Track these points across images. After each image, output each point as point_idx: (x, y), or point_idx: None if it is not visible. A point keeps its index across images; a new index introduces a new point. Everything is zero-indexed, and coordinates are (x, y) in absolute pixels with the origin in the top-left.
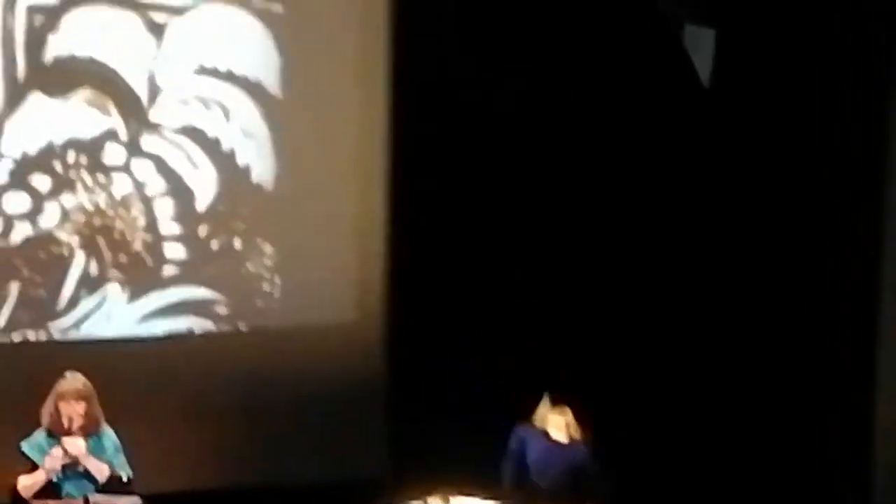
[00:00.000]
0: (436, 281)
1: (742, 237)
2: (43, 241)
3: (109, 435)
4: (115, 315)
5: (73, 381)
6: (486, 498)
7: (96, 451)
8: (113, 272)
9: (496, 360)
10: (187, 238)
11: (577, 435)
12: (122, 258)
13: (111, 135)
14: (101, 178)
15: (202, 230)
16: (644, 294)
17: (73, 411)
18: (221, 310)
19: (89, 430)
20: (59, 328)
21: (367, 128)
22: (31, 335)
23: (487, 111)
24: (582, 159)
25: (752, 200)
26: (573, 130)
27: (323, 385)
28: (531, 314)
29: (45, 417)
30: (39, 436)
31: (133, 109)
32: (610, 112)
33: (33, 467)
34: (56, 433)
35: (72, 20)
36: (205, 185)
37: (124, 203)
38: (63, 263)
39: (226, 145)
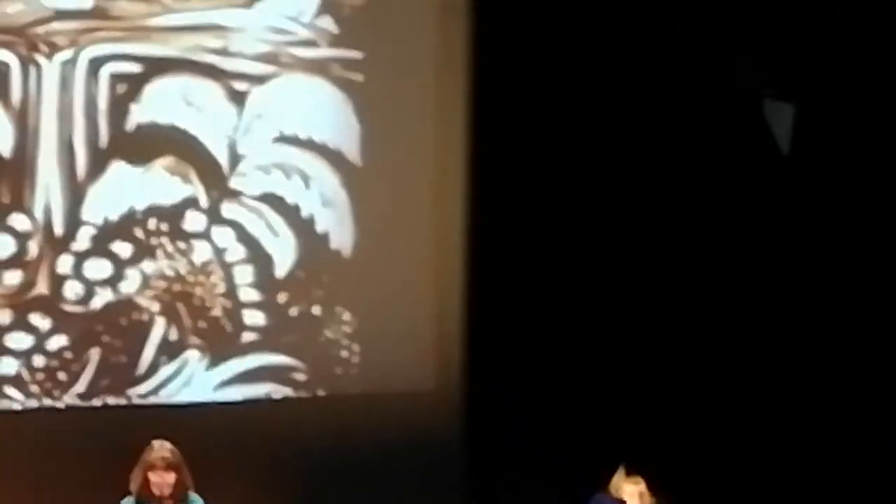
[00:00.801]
0: (514, 349)
1: (831, 311)
2: (123, 308)
3: (197, 501)
4: (194, 381)
5: (162, 450)
6: None
7: None
8: (192, 338)
9: (573, 429)
10: (266, 305)
11: None
12: (202, 324)
13: (192, 202)
14: (181, 244)
15: (281, 297)
16: (723, 369)
17: (163, 481)
18: (300, 376)
19: (178, 499)
20: (139, 394)
21: (444, 195)
22: (111, 400)
23: (567, 179)
24: (661, 234)
25: (833, 268)
26: (649, 202)
27: (400, 452)
28: (610, 384)
29: (134, 486)
30: None
31: (214, 177)
32: (691, 185)
33: None
34: (146, 501)
35: (154, 88)
36: (284, 252)
37: (204, 270)
38: (143, 329)
39: (305, 212)
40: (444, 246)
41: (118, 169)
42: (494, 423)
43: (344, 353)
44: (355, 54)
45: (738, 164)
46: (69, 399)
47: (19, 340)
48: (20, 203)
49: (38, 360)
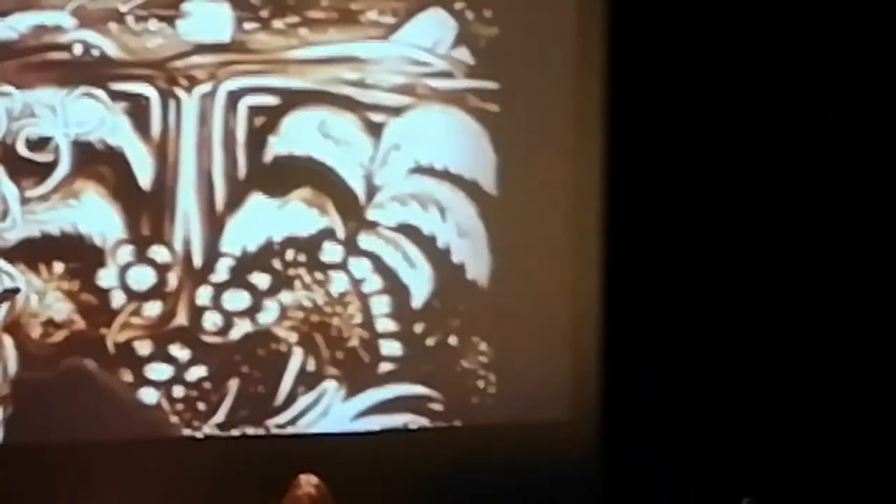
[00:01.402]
0: (651, 380)
1: None
2: (262, 338)
3: None
4: (331, 411)
5: (308, 485)
6: None
7: None
8: (330, 369)
9: (711, 461)
10: (403, 335)
11: None
12: (339, 355)
13: (329, 233)
14: (318, 275)
15: (418, 327)
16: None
17: None
18: (436, 406)
19: None
20: (277, 424)
21: (581, 225)
22: (250, 431)
23: (709, 209)
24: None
25: None
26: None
27: (537, 482)
28: (751, 416)
29: None
30: None
31: (350, 208)
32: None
33: None
34: None
35: (291, 120)
36: (420, 283)
37: (341, 300)
38: (281, 360)
39: (441, 243)
40: (580, 275)
41: (256, 201)
42: (631, 454)
43: (480, 384)
44: (491, 85)
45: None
46: (208, 429)
47: (160, 371)
48: (160, 235)
49: (178, 391)
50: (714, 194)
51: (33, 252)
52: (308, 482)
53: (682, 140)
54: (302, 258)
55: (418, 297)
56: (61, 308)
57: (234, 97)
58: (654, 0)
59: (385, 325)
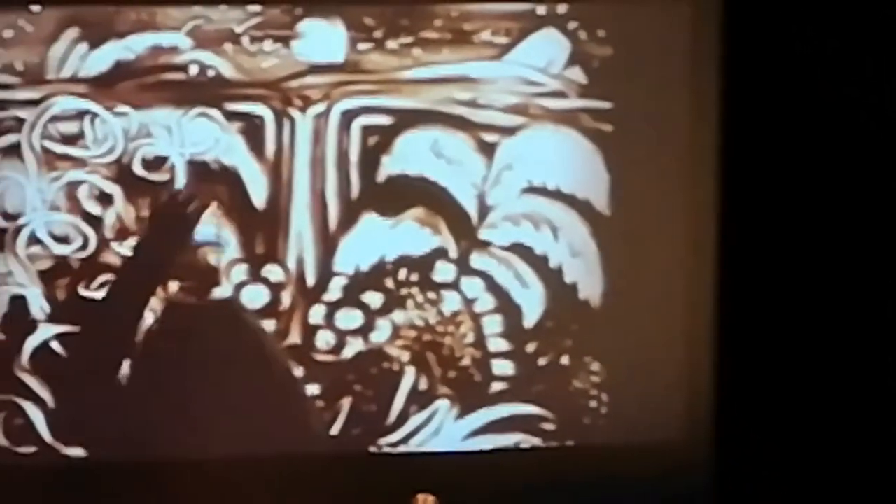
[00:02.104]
0: (766, 400)
1: None
2: (374, 357)
3: None
4: (443, 430)
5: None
6: None
7: None
8: (442, 388)
9: (827, 480)
10: (515, 355)
11: None
12: (451, 374)
13: (441, 253)
14: (431, 295)
15: (530, 347)
16: None
17: None
18: (548, 426)
19: None
20: (389, 442)
21: (695, 246)
22: (362, 449)
23: (828, 231)
24: None
25: None
26: None
27: (650, 502)
28: (867, 437)
29: None
30: None
31: (463, 228)
32: None
33: None
34: None
35: (405, 140)
36: (533, 303)
37: (454, 320)
38: (394, 379)
39: (554, 262)
40: (694, 295)
41: (369, 220)
42: (746, 474)
43: (592, 403)
44: (604, 104)
45: None
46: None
47: None
48: (274, 254)
49: None
50: (837, 211)
51: None
52: (426, 501)
53: (802, 158)
54: (414, 277)
55: (530, 317)
56: None
57: (347, 117)
58: (771, 18)
59: (497, 344)
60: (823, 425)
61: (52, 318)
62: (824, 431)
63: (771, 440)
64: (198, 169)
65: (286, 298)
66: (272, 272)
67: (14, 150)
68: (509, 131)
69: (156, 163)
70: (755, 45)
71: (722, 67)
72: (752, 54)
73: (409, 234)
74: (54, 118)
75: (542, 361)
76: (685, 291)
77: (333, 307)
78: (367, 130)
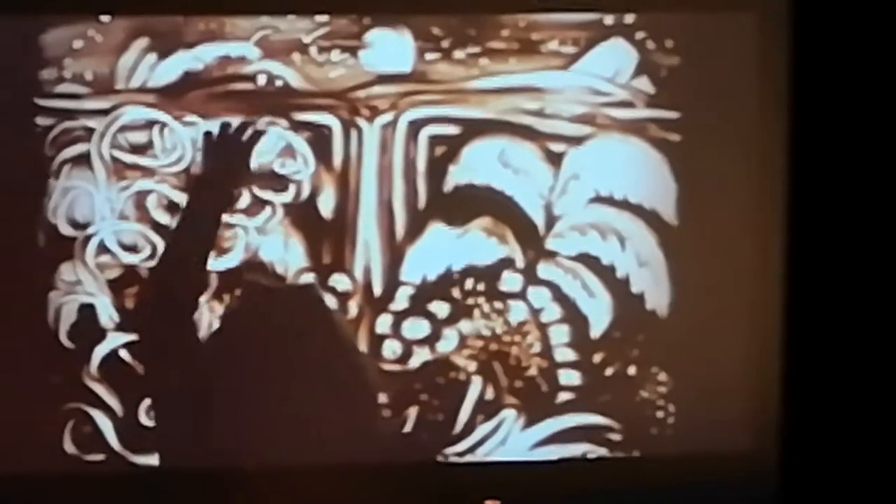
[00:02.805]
0: (833, 410)
1: None
2: (441, 367)
3: None
4: (510, 440)
5: None
6: None
7: None
8: (509, 398)
9: (894, 492)
10: (582, 365)
11: None
12: (518, 384)
13: (508, 262)
14: (497, 304)
15: (597, 357)
16: None
17: None
18: (615, 437)
19: None
20: (456, 452)
21: (763, 258)
22: (429, 458)
23: (894, 239)
24: None
25: None
26: None
27: None
28: None
29: None
30: None
31: (530, 237)
32: None
33: None
34: None
35: (471, 150)
36: (599, 313)
37: (520, 329)
38: (460, 388)
39: (621, 273)
40: (762, 305)
41: (436, 229)
42: (812, 485)
43: (659, 414)
44: (672, 114)
45: None
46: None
47: None
48: (341, 263)
49: None
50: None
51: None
52: None
53: (874, 168)
54: (481, 287)
55: (597, 327)
56: None
57: (414, 127)
58: (839, 25)
59: (564, 354)
60: (893, 435)
61: (121, 327)
62: (894, 441)
63: (838, 450)
64: (265, 178)
65: (353, 308)
66: (339, 282)
67: (83, 160)
68: (576, 141)
69: None
70: (823, 52)
71: (790, 76)
72: (821, 62)
73: (476, 244)
74: (123, 128)
75: (608, 371)
76: (752, 301)
77: (400, 317)
78: (434, 140)
